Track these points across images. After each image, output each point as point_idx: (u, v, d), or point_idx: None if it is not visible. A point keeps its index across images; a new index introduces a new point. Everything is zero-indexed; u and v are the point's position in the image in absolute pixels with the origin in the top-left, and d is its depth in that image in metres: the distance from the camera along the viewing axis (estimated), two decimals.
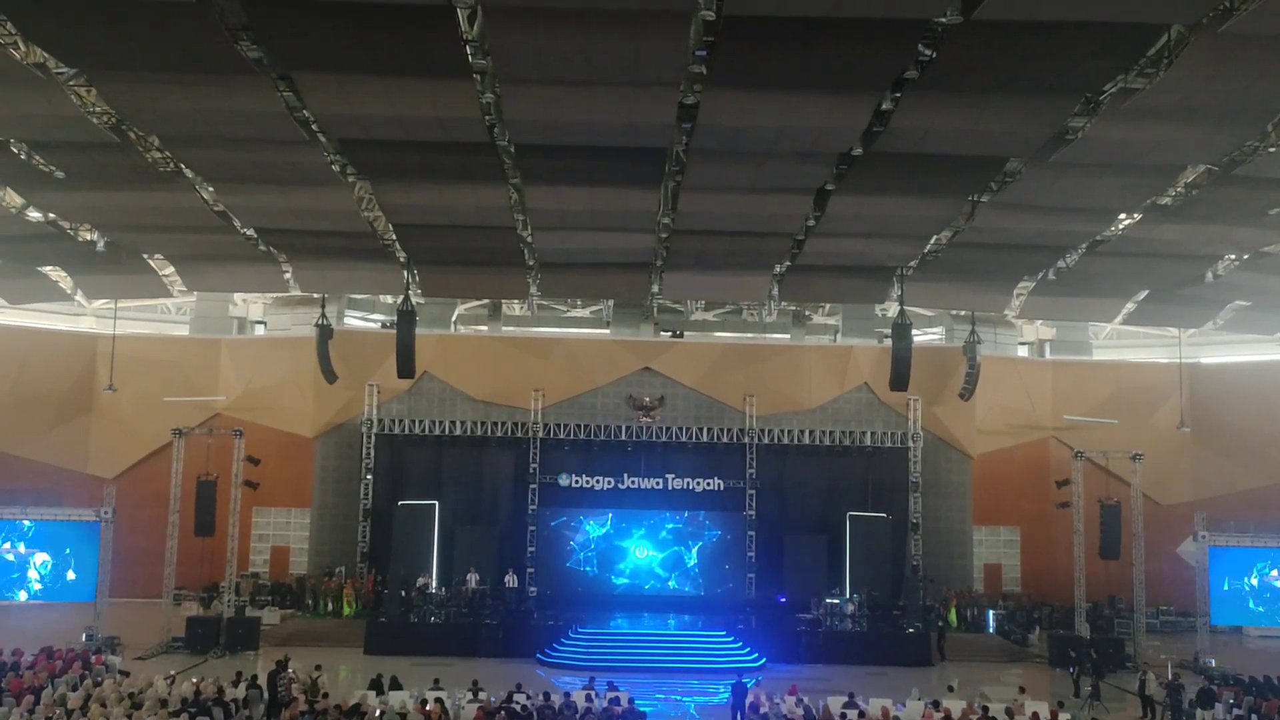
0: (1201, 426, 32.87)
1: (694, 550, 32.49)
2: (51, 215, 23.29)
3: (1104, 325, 33.51)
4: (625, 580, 32.34)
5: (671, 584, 32.34)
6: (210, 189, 21.08)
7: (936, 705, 19.55)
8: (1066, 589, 29.44)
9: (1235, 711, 20.87)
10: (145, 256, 26.67)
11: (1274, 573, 31.53)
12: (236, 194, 21.22)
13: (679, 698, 23.24)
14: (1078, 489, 28.55)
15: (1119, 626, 30.40)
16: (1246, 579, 31.53)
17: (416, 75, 15.35)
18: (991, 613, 31.40)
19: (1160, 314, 29.49)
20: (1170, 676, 22.56)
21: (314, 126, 17.61)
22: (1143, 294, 27.77)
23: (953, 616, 30.83)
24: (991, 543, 33.87)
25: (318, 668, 21.29)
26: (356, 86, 15.75)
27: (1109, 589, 30.37)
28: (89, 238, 24.67)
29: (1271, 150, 17.41)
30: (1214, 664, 26.21)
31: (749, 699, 19.97)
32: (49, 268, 27.71)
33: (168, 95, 16.05)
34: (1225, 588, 30.77)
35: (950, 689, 21.94)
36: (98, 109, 17.19)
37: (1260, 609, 31.52)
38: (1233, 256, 24.48)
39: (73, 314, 33.50)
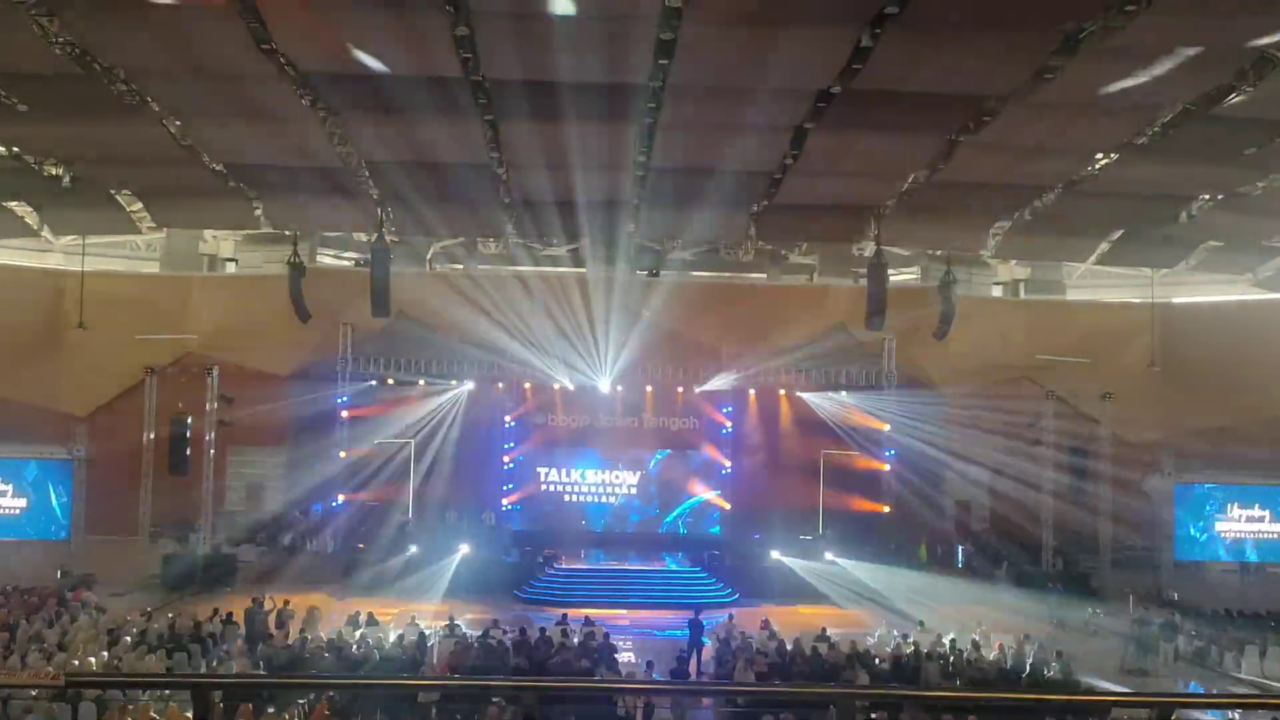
0: (1171, 365, 33.15)
1: (669, 488, 32.72)
2: (15, 149, 22.76)
3: (1078, 265, 33.61)
4: (601, 517, 32.59)
5: (646, 521, 32.60)
6: (177, 123, 20.64)
7: (905, 638, 19.94)
8: (1035, 525, 29.89)
9: (1196, 644, 21.45)
10: (112, 192, 26.16)
11: (1236, 509, 32.10)
12: (204, 128, 20.79)
13: (653, 632, 23.58)
14: (1048, 427, 28.89)
15: (1085, 561, 30.99)
16: (1211, 514, 32.12)
17: (387, 6, 15.01)
18: (960, 549, 31.89)
19: (1134, 254, 29.62)
20: (1134, 610, 23.12)
21: (282, 59, 17.21)
22: (1117, 234, 27.85)
23: (922, 553, 31.32)
24: (962, 480, 34.29)
25: (286, 602, 21.41)
26: (325, 18, 15.39)
27: (1076, 524, 30.89)
28: (54, 172, 24.14)
29: (1249, 90, 17.35)
30: (1177, 597, 26.84)
31: (721, 633, 20.25)
32: (14, 203, 27.15)
33: (131, 26, 15.63)
34: (1189, 523, 31.37)
35: (920, 624, 22.34)
36: (60, 39, 16.72)
37: (1222, 546, 32.17)
38: (1207, 196, 24.54)
39: (40, 250, 32.87)
